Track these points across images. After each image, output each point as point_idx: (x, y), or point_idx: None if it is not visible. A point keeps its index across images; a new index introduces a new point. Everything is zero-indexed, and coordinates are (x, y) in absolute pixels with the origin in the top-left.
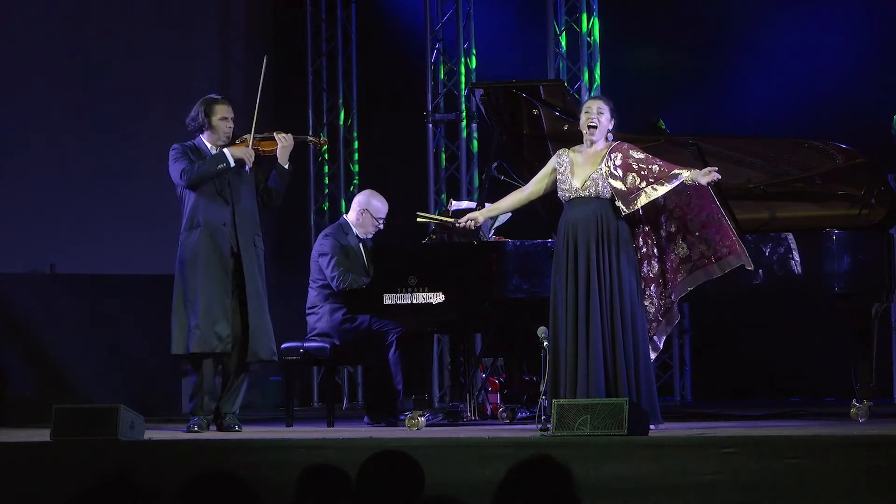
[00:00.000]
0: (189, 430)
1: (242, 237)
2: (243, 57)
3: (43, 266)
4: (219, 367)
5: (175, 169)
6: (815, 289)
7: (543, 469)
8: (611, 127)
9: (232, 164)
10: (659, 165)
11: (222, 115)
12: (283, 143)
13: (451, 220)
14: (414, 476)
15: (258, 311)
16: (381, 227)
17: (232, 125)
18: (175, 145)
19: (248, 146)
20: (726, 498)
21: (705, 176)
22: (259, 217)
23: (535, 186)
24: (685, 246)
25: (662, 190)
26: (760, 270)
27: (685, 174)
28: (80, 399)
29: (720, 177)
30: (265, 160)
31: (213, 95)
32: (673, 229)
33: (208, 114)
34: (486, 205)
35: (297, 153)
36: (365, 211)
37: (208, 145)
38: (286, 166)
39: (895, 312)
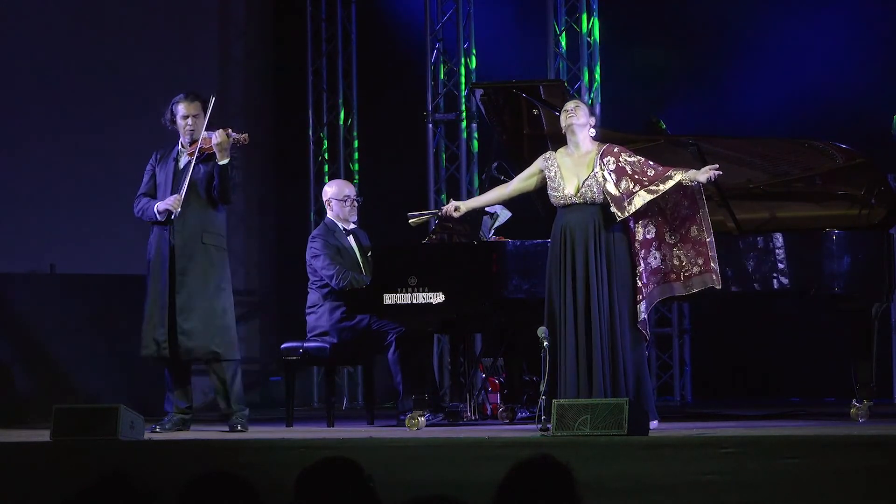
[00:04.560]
0: (155, 428)
1: (180, 235)
2: (243, 57)
3: (43, 266)
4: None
5: None
6: (815, 289)
7: (544, 469)
8: (592, 123)
9: (157, 217)
10: (653, 168)
11: (182, 113)
12: (217, 140)
13: (437, 210)
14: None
15: (193, 309)
16: (356, 204)
17: (192, 123)
18: (154, 154)
19: (179, 196)
20: (726, 498)
21: (704, 174)
22: (220, 214)
23: (519, 184)
24: (658, 255)
25: (658, 192)
26: (760, 271)
27: (681, 175)
28: (80, 399)
29: (721, 173)
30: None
31: (180, 95)
32: (650, 236)
33: (174, 113)
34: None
35: (297, 153)
36: (331, 201)
37: (179, 146)
38: (222, 163)
39: (895, 312)
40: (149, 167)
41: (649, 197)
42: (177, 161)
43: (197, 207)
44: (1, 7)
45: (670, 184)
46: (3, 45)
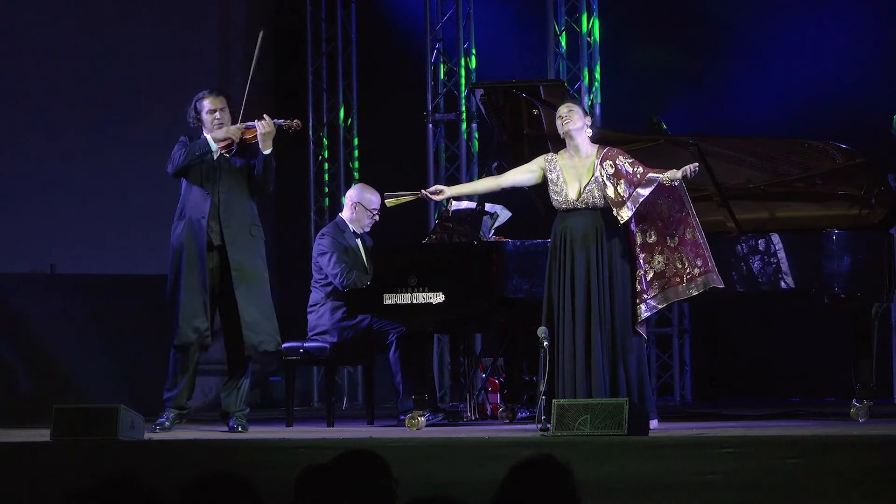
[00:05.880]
0: (155, 428)
1: (229, 230)
2: (243, 57)
3: (43, 266)
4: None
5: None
6: (815, 289)
7: (544, 469)
8: (589, 123)
9: (214, 147)
10: (643, 168)
11: (208, 108)
12: (263, 130)
13: (417, 192)
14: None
15: (253, 303)
16: (377, 218)
17: (220, 116)
18: (182, 137)
19: (240, 126)
20: (726, 498)
21: (681, 171)
22: (256, 206)
23: (513, 177)
24: (661, 259)
25: (644, 192)
26: (761, 272)
27: (661, 175)
28: (80, 399)
29: (697, 170)
30: (253, 147)
31: (203, 91)
32: (651, 240)
33: (198, 110)
34: (482, 204)
35: (297, 153)
36: (357, 205)
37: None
38: (266, 152)
39: (895, 312)
40: (178, 147)
41: (641, 199)
42: (210, 155)
43: (242, 200)
44: (1, 8)
45: (653, 185)
46: (4, 45)
